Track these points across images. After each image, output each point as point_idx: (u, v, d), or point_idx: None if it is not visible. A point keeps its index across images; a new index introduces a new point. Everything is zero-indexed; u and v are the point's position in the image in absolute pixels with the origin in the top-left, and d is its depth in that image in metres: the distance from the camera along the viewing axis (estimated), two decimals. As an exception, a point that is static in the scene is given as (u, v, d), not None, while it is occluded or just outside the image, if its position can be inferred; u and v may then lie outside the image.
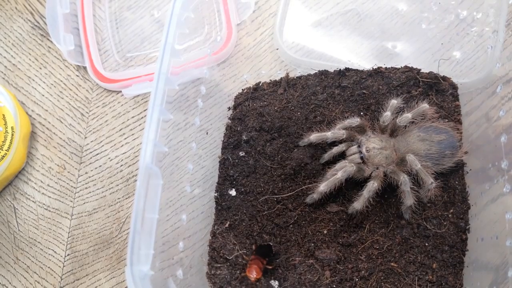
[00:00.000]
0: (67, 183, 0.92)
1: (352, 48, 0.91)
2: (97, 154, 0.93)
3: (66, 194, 0.91)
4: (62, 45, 0.93)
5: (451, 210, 0.76)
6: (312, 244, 0.76)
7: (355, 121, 0.77)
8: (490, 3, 0.86)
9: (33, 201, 0.91)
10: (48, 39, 1.00)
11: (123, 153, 0.92)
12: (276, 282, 0.73)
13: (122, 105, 0.96)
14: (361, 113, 0.83)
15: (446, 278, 0.72)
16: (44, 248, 0.88)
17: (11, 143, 0.87)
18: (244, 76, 0.91)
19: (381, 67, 0.85)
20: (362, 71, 0.86)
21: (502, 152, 0.72)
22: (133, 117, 0.94)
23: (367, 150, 0.75)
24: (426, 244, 0.74)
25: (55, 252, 0.88)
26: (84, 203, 0.90)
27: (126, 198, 0.89)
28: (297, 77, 0.89)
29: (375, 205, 0.76)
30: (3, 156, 0.86)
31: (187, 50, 0.90)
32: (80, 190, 0.91)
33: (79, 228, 0.88)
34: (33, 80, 0.98)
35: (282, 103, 0.86)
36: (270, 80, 0.90)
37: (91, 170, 0.92)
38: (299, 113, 0.85)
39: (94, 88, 0.97)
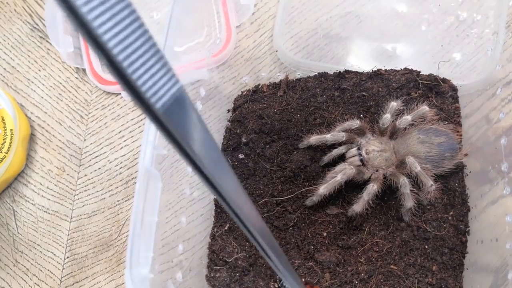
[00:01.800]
0: (67, 186, 0.91)
1: (352, 50, 0.90)
2: (97, 156, 0.93)
3: (66, 197, 0.91)
4: (61, 47, 0.92)
5: (451, 213, 0.76)
6: (312, 247, 0.76)
7: (354, 123, 0.77)
8: (490, 5, 0.86)
9: (32, 204, 0.91)
10: (47, 41, 1.00)
11: (123, 156, 0.92)
12: (276, 285, 0.73)
13: (121, 107, 0.95)
14: (361, 115, 0.83)
15: (446, 280, 0.72)
16: (44, 250, 0.88)
17: (10, 145, 0.87)
18: (243, 78, 0.91)
19: (380, 69, 0.85)
20: (361, 73, 0.85)
21: (502, 154, 0.72)
22: (132, 119, 0.94)
23: (366, 153, 0.75)
24: (426, 247, 0.74)
25: (54, 254, 0.87)
26: (83, 206, 0.90)
27: (126, 201, 0.89)
28: (296, 79, 0.88)
29: (375, 208, 0.76)
30: (2, 159, 0.86)
31: (186, 52, 0.89)
32: (80, 193, 0.91)
33: (78, 231, 0.88)
34: (32, 82, 0.98)
35: (281, 106, 0.86)
36: (270, 82, 0.90)
37: (91, 173, 0.92)
38: (298, 115, 0.84)
39: (93, 90, 0.97)
